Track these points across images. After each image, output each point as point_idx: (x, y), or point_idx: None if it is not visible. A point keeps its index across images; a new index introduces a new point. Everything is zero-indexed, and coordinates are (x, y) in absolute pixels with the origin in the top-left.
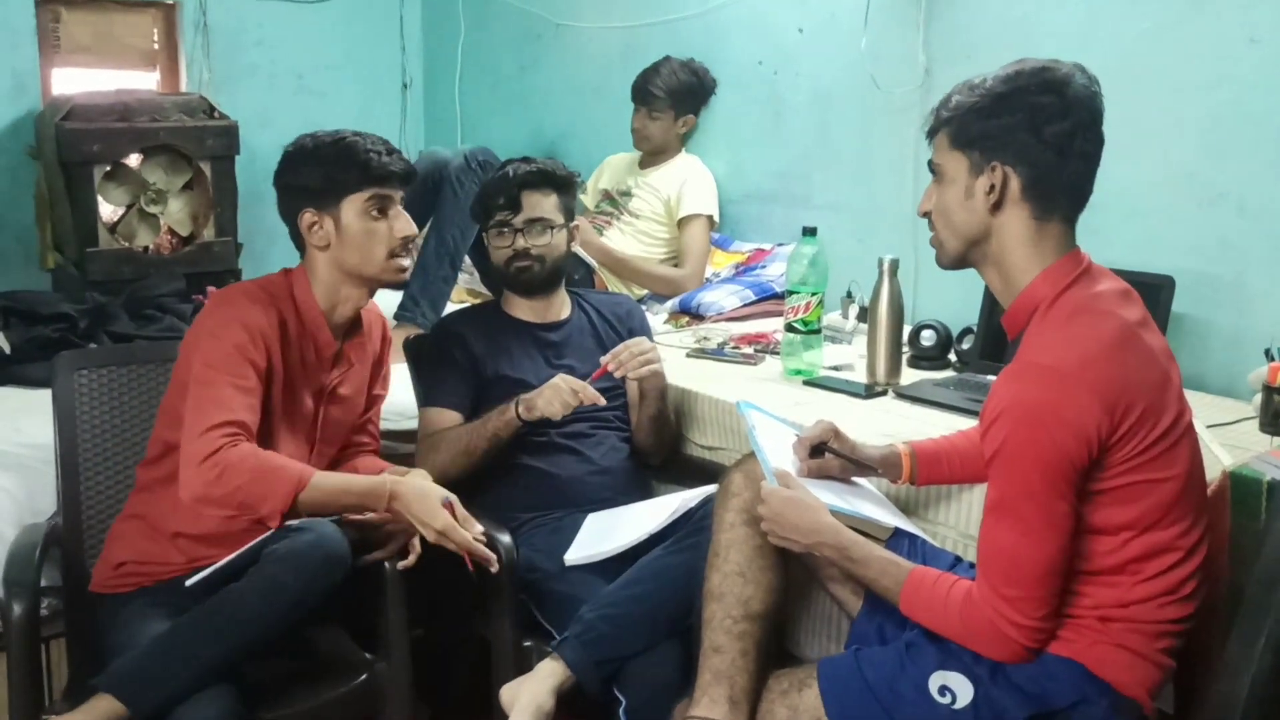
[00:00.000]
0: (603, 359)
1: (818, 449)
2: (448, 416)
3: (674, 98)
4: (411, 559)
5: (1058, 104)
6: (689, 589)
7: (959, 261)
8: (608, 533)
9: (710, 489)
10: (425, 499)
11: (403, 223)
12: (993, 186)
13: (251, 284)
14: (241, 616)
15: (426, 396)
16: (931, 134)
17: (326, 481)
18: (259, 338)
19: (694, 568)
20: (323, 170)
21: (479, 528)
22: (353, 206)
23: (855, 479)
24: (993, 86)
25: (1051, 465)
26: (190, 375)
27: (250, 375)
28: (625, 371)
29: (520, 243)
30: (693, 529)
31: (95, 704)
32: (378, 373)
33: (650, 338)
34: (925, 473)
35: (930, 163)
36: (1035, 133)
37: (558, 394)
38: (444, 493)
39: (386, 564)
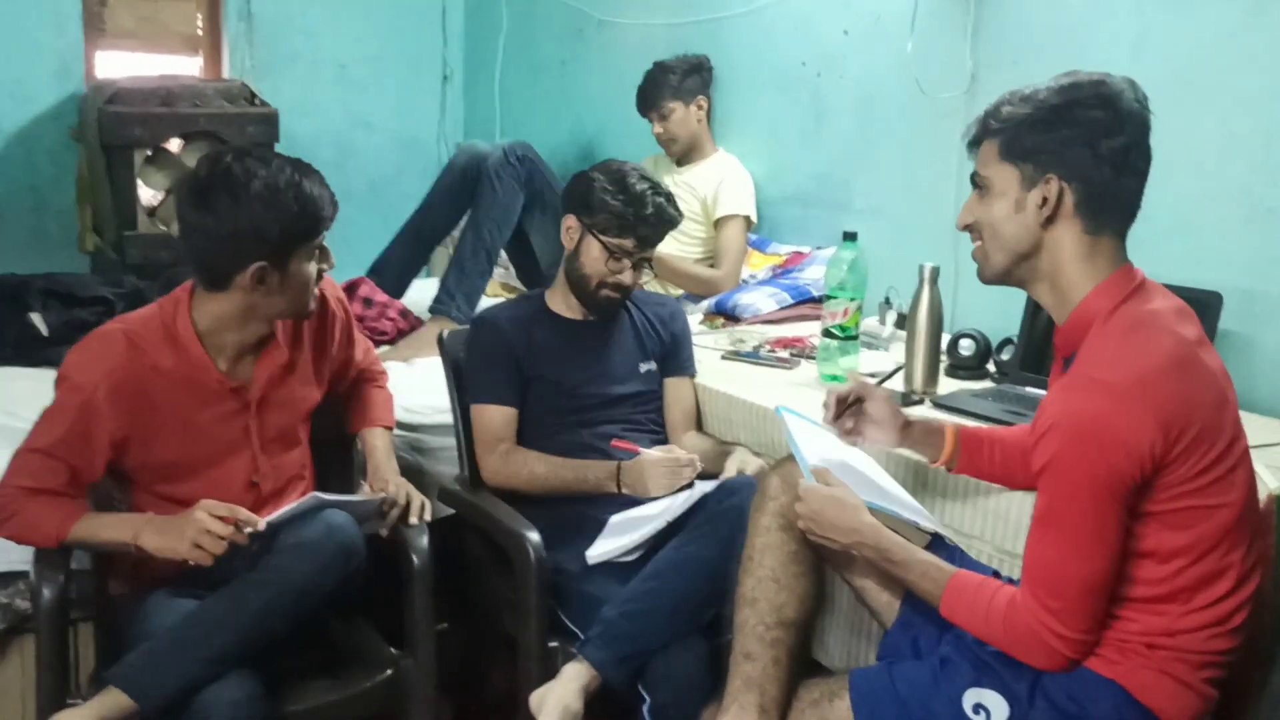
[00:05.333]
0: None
1: (843, 402)
2: (505, 413)
3: (675, 89)
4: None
5: (1113, 119)
6: (708, 578)
7: (1004, 277)
8: (627, 528)
9: (725, 477)
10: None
11: (327, 257)
12: (1045, 200)
13: (111, 338)
14: (250, 607)
15: (478, 393)
16: (975, 143)
17: (83, 527)
18: (99, 413)
19: (710, 556)
20: (288, 222)
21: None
22: (302, 258)
23: (892, 484)
24: (1047, 98)
25: (1102, 481)
26: None
27: (72, 448)
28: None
29: (627, 279)
30: (707, 517)
31: (104, 698)
32: (333, 347)
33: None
34: (966, 457)
35: (974, 175)
36: (1092, 147)
37: (668, 475)
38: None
39: (414, 558)
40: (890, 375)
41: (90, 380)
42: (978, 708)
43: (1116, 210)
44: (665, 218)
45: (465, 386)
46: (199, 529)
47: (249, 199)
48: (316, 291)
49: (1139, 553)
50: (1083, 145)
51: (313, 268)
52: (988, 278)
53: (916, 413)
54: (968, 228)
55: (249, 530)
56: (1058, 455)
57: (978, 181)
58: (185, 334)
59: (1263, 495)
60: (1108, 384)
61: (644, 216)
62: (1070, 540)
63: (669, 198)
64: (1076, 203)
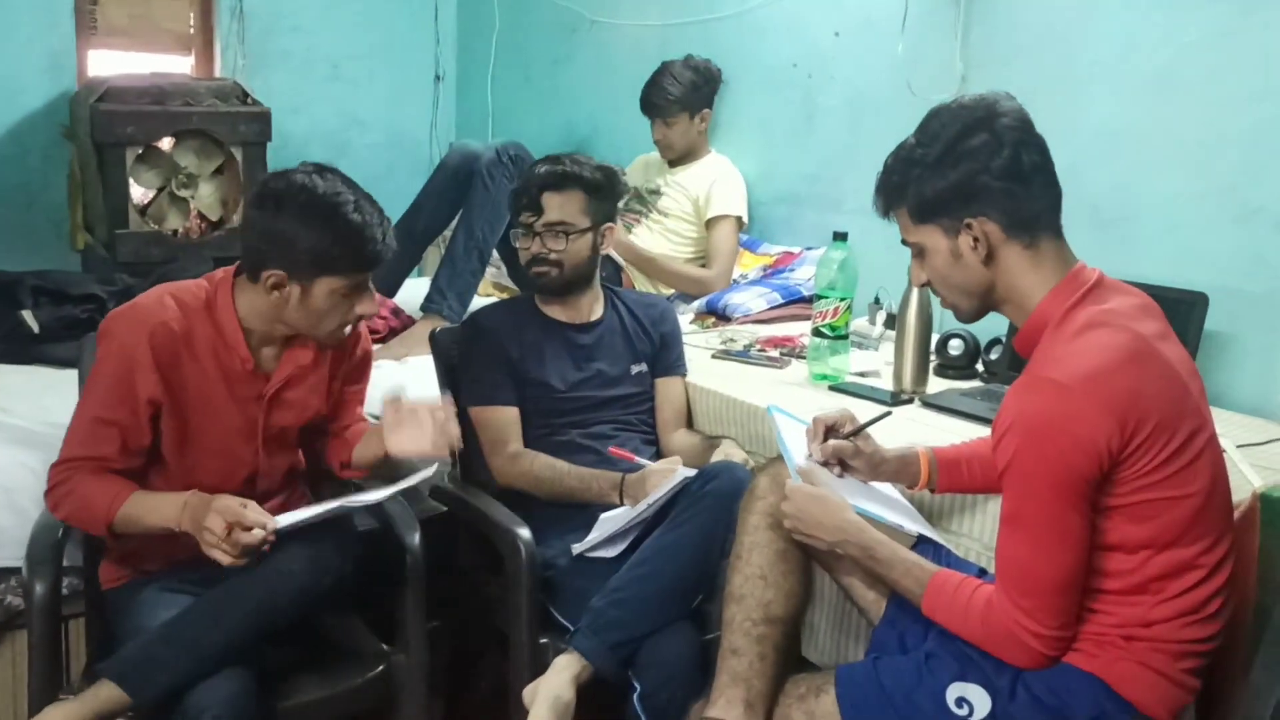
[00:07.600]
0: None
1: (832, 430)
2: (509, 414)
3: (683, 101)
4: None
5: (991, 137)
6: (692, 562)
7: (979, 314)
8: (615, 522)
9: (709, 465)
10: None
11: (366, 303)
12: (976, 242)
13: (155, 296)
14: (247, 605)
15: (479, 396)
16: (884, 214)
17: (131, 508)
18: (141, 365)
19: (693, 541)
20: (315, 242)
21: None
22: (328, 285)
23: (879, 484)
24: (925, 153)
25: (1061, 479)
26: None
27: (119, 406)
28: None
29: (537, 247)
30: (689, 503)
31: (97, 691)
32: (346, 369)
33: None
34: (945, 478)
35: (904, 241)
36: (987, 175)
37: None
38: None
39: (407, 556)
40: (877, 420)
41: (133, 335)
42: (960, 701)
43: (1042, 214)
44: (530, 177)
45: (461, 388)
46: (210, 536)
47: (292, 208)
48: (347, 331)
49: (1105, 546)
50: (979, 176)
51: (340, 302)
52: (965, 320)
53: (905, 413)
54: (925, 285)
55: (262, 532)
56: (1016, 456)
57: (910, 246)
58: (224, 309)
59: (1246, 494)
60: (1058, 383)
61: (517, 186)
62: (1036, 539)
63: (553, 159)
64: (1004, 229)
